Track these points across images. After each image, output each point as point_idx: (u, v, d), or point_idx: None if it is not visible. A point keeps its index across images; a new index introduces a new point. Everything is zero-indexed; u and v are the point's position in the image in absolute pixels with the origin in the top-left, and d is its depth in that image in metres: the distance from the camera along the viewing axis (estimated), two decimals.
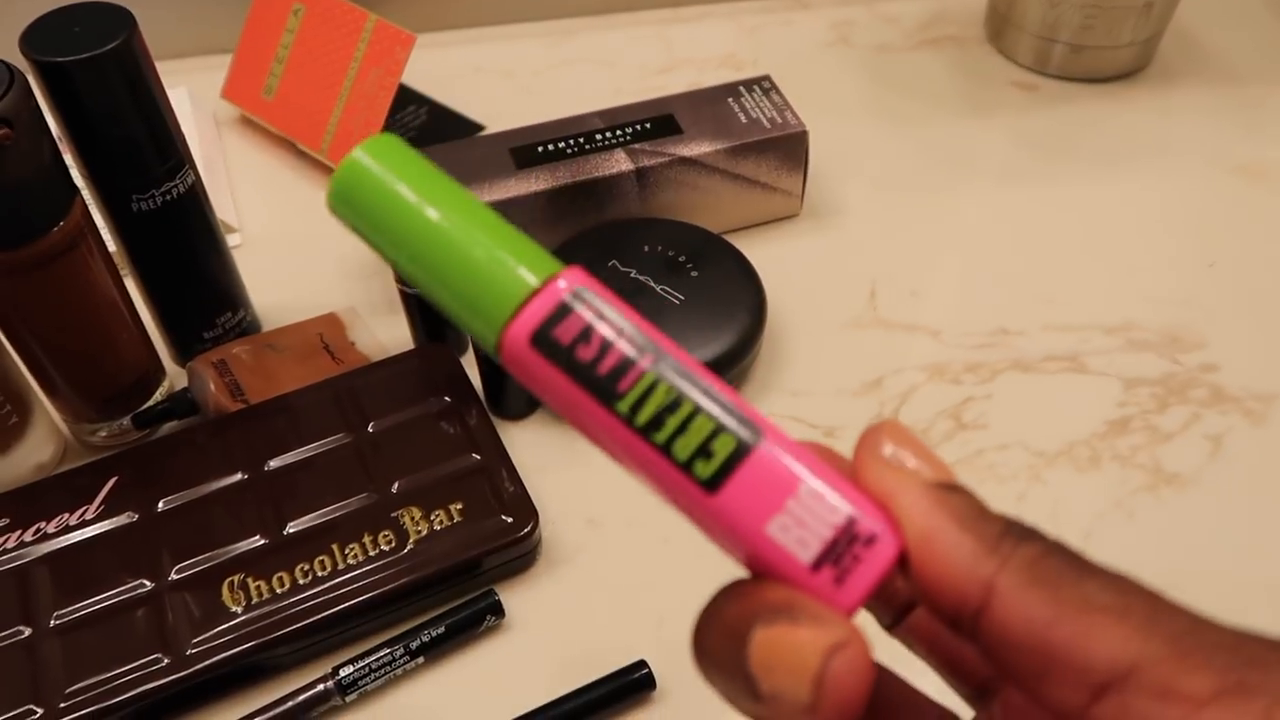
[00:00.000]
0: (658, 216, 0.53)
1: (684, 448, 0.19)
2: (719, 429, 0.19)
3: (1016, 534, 0.18)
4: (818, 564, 0.19)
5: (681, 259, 0.49)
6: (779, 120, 0.53)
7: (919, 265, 0.55)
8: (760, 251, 0.53)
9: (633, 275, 0.48)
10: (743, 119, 0.53)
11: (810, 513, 0.19)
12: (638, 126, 0.53)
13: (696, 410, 0.19)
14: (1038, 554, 0.18)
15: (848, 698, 0.17)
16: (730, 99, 0.54)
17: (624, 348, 0.19)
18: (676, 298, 0.47)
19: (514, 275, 0.20)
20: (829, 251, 0.55)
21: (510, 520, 0.41)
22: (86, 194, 0.42)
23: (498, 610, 0.40)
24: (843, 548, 0.19)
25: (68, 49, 0.38)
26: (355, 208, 0.20)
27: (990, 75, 0.66)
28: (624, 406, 0.19)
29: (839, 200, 0.58)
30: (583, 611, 0.41)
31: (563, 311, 0.19)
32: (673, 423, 0.19)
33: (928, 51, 0.68)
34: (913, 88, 0.65)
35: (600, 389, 0.19)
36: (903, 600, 0.23)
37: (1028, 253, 0.55)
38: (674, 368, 0.19)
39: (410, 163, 0.20)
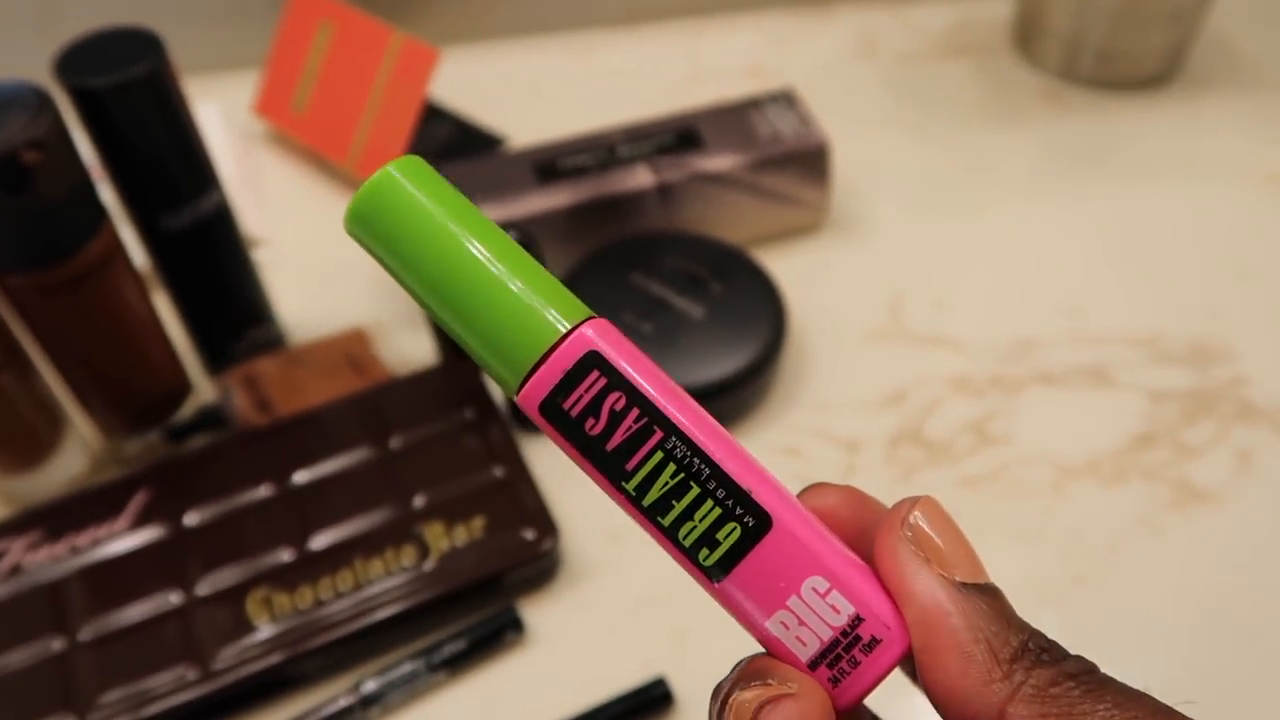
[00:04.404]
0: (679, 230, 0.53)
1: (689, 534, 0.18)
2: (725, 517, 0.18)
3: (1033, 655, 0.18)
4: (814, 664, 0.18)
5: (703, 273, 0.49)
6: (801, 133, 0.53)
7: (943, 277, 0.55)
8: (783, 264, 0.53)
9: (654, 290, 0.48)
10: (765, 132, 0.53)
11: (812, 612, 0.18)
12: (660, 141, 0.53)
13: (703, 496, 0.18)
14: (1052, 680, 0.17)
15: None
16: (752, 112, 0.55)
17: (632, 423, 0.18)
18: (698, 312, 0.48)
19: (539, 323, 0.19)
20: (852, 264, 0.55)
21: (532, 535, 0.42)
22: (116, 214, 0.42)
23: (517, 626, 0.40)
24: (843, 650, 0.18)
25: (99, 73, 0.39)
26: (378, 227, 0.19)
27: (1017, 84, 0.65)
28: (631, 486, 0.19)
29: (863, 212, 0.58)
30: (603, 627, 0.41)
31: (572, 381, 0.18)
32: (679, 507, 0.18)
33: (954, 60, 0.67)
34: (938, 97, 0.65)
35: (607, 466, 0.19)
36: None
37: (1053, 264, 0.55)
38: (685, 444, 0.18)
39: (440, 186, 0.20)
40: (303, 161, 0.62)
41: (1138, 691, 0.17)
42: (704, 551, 0.18)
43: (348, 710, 0.38)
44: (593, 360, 0.18)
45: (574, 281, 0.49)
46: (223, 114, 0.63)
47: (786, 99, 0.55)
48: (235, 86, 0.64)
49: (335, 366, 0.49)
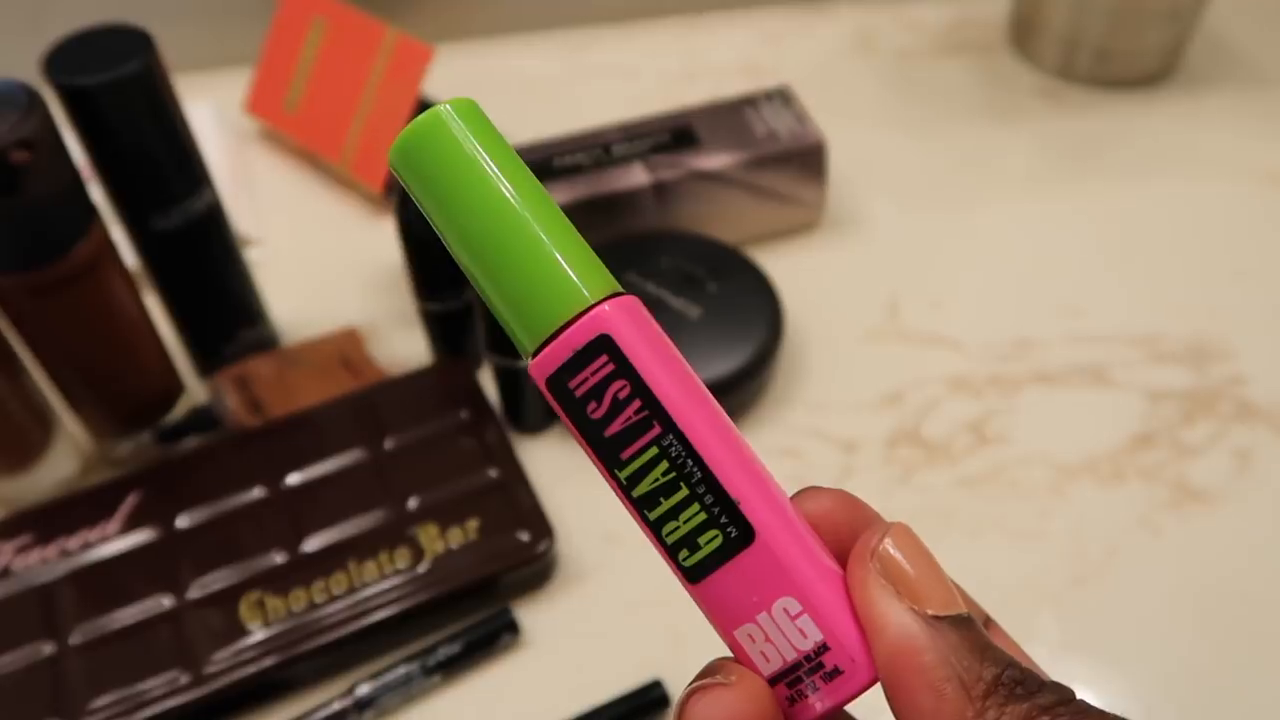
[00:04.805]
0: (675, 229, 0.52)
1: (672, 532, 0.18)
2: (709, 524, 0.18)
3: (1007, 689, 0.17)
4: (774, 680, 0.18)
5: (699, 272, 0.49)
6: (798, 131, 0.53)
7: (941, 276, 0.54)
8: (780, 263, 0.53)
9: (650, 289, 0.48)
10: (761, 130, 0.53)
11: (780, 632, 0.18)
12: (656, 139, 0.53)
13: (690, 499, 0.18)
14: (1026, 716, 0.17)
15: None
16: (748, 110, 0.54)
17: (632, 415, 0.18)
18: (695, 312, 0.47)
19: (565, 291, 0.18)
20: (849, 263, 0.55)
21: (527, 537, 0.41)
22: (107, 213, 0.42)
23: (513, 628, 0.40)
24: (804, 674, 0.18)
25: (88, 72, 0.39)
26: (422, 166, 0.19)
27: (1014, 82, 0.65)
28: (623, 474, 0.18)
29: (860, 210, 0.58)
30: (599, 628, 0.41)
31: (581, 361, 0.18)
32: (666, 505, 0.18)
33: (951, 58, 0.67)
34: (936, 95, 0.64)
35: (603, 450, 0.19)
36: None
37: (1051, 263, 0.55)
38: (682, 444, 0.18)
39: (491, 134, 0.19)
40: (296, 160, 0.62)
41: (1117, 718, 0.17)
42: (684, 552, 0.18)
43: (342, 714, 0.38)
44: (604, 344, 0.18)
45: None
46: (215, 112, 0.63)
47: (783, 97, 0.55)
48: (227, 84, 0.64)
49: (328, 367, 0.49)
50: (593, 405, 0.18)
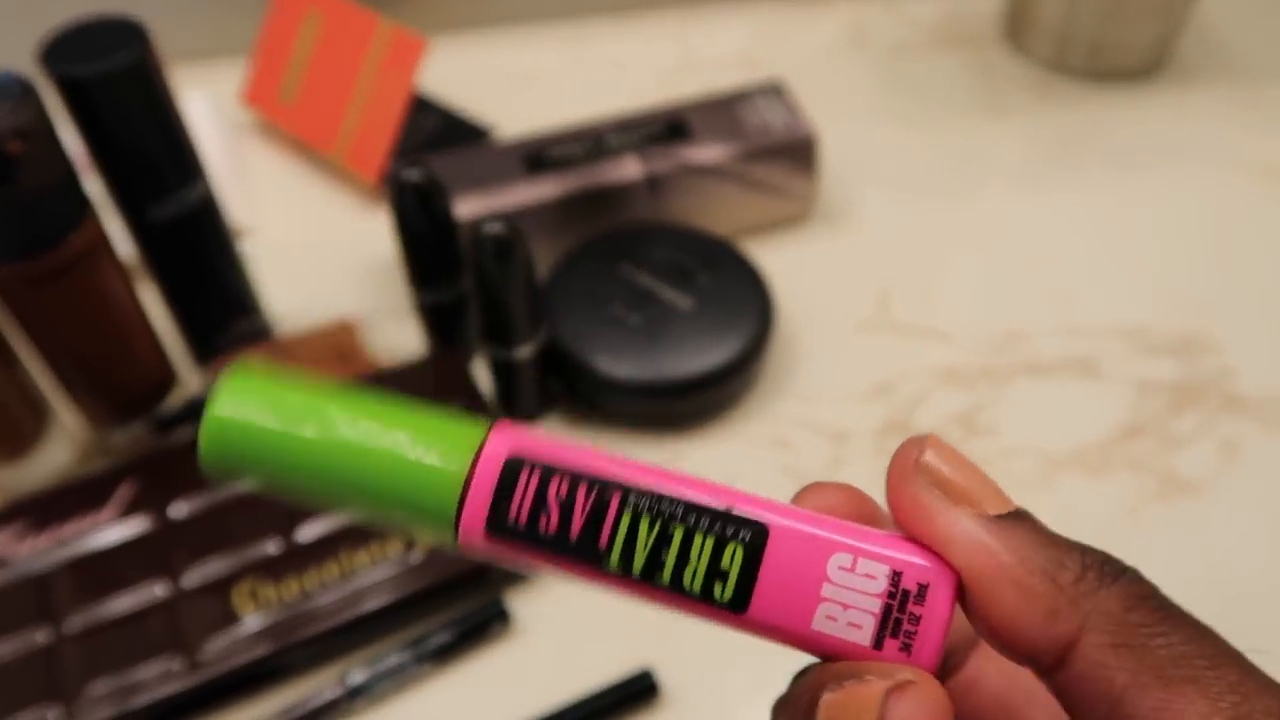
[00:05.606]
0: (668, 221, 0.53)
1: (694, 578, 0.17)
2: (721, 543, 0.17)
3: (1095, 576, 0.16)
4: (878, 641, 0.17)
5: (691, 264, 0.49)
6: (790, 124, 0.53)
7: (931, 269, 0.55)
8: (771, 255, 0.53)
9: (642, 281, 0.48)
10: (753, 123, 0.53)
11: (850, 591, 0.17)
12: (649, 132, 0.53)
13: (691, 532, 0.17)
14: (1123, 606, 0.16)
15: None
16: (741, 103, 0.54)
17: (584, 499, 0.17)
18: (686, 303, 0.48)
19: (437, 473, 0.18)
20: (840, 255, 0.55)
21: None
22: (102, 204, 0.42)
23: (504, 617, 0.40)
24: (897, 612, 0.17)
25: (83, 63, 0.39)
26: (234, 465, 0.18)
27: (1006, 75, 0.65)
28: (613, 562, 0.17)
29: (851, 203, 0.58)
30: (589, 618, 0.41)
31: (505, 493, 0.17)
32: (671, 555, 0.17)
33: (944, 51, 0.67)
34: (928, 88, 0.65)
35: (581, 555, 0.17)
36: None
37: (1042, 256, 0.55)
38: (646, 494, 0.17)
39: (275, 392, 0.18)
40: (290, 151, 0.62)
41: (1204, 626, 0.16)
42: (717, 587, 0.17)
43: (335, 702, 0.38)
44: (516, 464, 0.18)
45: (562, 273, 0.49)
46: (210, 103, 0.63)
47: (775, 90, 0.55)
48: (223, 75, 0.64)
49: (322, 358, 0.49)
50: (542, 520, 0.17)
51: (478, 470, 0.18)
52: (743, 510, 0.17)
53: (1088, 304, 0.52)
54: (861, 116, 0.63)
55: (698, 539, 0.17)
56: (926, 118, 0.63)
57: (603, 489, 0.17)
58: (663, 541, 0.17)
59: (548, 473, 0.17)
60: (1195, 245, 0.55)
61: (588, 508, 0.17)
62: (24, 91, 0.37)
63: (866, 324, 0.52)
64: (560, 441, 0.18)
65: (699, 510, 0.17)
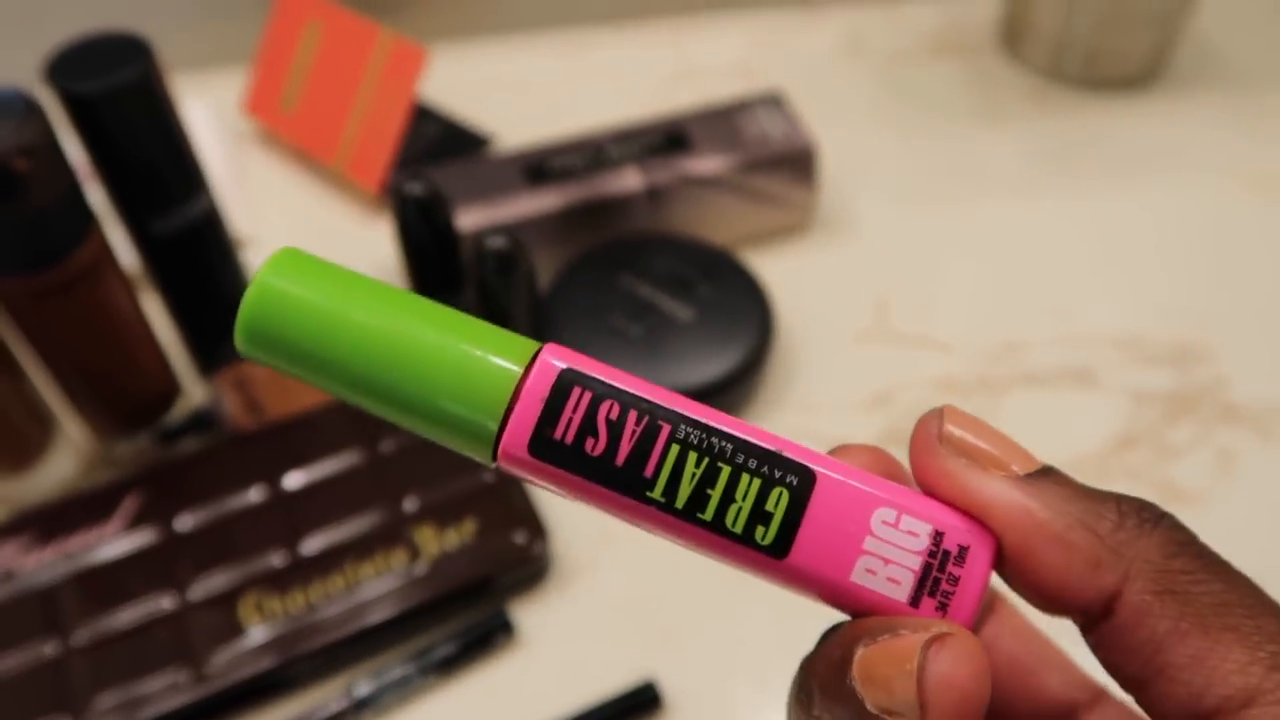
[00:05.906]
0: (668, 232, 0.53)
1: (737, 517, 0.17)
2: (767, 485, 0.17)
3: (1134, 523, 0.16)
4: (915, 598, 0.17)
5: (691, 275, 0.49)
6: (789, 135, 0.54)
7: (930, 278, 0.55)
8: (771, 265, 0.54)
9: (643, 292, 0.49)
10: (753, 134, 0.54)
11: (892, 546, 0.17)
12: (649, 142, 0.53)
13: (738, 471, 0.17)
14: (1164, 553, 0.16)
15: (956, 697, 0.15)
16: (741, 114, 0.55)
17: (635, 426, 0.17)
18: (687, 314, 0.48)
19: (490, 370, 0.17)
20: (839, 265, 0.56)
21: (523, 538, 0.42)
22: (106, 217, 0.42)
23: (508, 628, 0.41)
24: (937, 572, 0.17)
25: (88, 80, 0.39)
26: (275, 343, 0.17)
27: (1003, 84, 0.66)
28: (658, 493, 0.17)
29: (850, 213, 0.58)
30: (593, 629, 0.42)
31: (555, 408, 0.17)
32: (717, 494, 0.17)
33: (941, 60, 0.68)
34: (925, 97, 0.65)
35: (625, 483, 0.17)
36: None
37: (1038, 264, 0.55)
38: (698, 427, 0.17)
39: (325, 272, 0.18)
40: (291, 160, 0.62)
41: (1242, 575, 0.16)
42: (759, 530, 0.17)
43: (340, 714, 0.39)
44: (570, 377, 0.17)
45: (563, 284, 0.49)
46: (211, 113, 0.63)
47: (774, 101, 0.56)
48: (224, 84, 0.64)
49: None
50: (590, 441, 0.17)
51: (531, 376, 0.17)
52: (791, 454, 0.17)
53: (1084, 313, 0.53)
54: (859, 125, 0.63)
55: (744, 479, 0.17)
56: (924, 126, 0.63)
57: (654, 417, 0.17)
58: (709, 477, 0.17)
59: (601, 393, 0.17)
60: (1191, 254, 0.56)
61: (637, 434, 0.17)
62: (29, 109, 0.37)
63: (865, 334, 0.52)
64: (612, 367, 0.17)
65: (748, 450, 0.17)
